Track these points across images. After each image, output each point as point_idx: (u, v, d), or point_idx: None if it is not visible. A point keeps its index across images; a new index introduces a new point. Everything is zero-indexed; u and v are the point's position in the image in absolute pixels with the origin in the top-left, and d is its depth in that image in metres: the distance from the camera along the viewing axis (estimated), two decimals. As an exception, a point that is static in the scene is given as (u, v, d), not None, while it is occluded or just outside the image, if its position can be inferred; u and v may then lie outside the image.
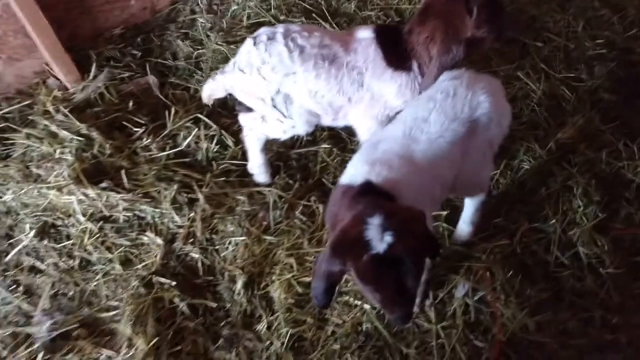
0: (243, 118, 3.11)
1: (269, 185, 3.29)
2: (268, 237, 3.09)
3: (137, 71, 3.69)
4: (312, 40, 2.70)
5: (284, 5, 3.95)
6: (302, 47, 2.69)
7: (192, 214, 3.14)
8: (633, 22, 4.05)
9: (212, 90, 3.01)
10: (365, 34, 2.76)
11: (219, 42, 3.76)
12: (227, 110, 3.53)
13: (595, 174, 3.30)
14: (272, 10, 3.94)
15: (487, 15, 2.56)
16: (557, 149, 3.40)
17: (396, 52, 2.72)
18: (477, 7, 2.53)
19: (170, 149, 3.32)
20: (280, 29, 2.75)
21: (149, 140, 3.32)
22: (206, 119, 3.41)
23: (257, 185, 3.31)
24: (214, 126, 3.40)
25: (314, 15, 3.93)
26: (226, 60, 3.72)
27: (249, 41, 2.79)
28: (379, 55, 2.71)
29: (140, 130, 3.37)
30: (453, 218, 3.12)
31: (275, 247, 3.06)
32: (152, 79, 3.64)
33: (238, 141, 3.39)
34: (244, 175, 3.34)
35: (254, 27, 3.78)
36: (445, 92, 2.48)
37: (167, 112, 3.44)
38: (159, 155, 3.28)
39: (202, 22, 3.89)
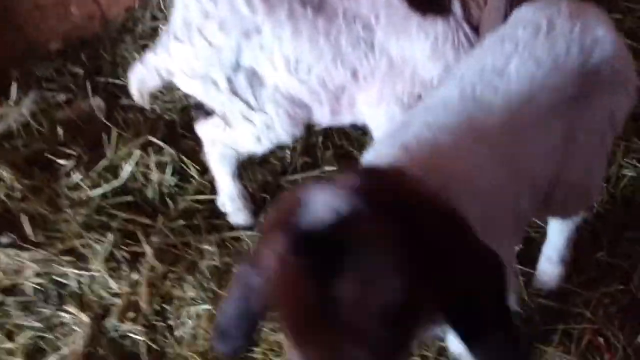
0: (201, 127, 2.14)
1: (249, 228, 2.27)
2: (246, 303, 2.03)
3: (80, 94, 2.78)
4: None
5: None
6: None
7: (135, 277, 2.12)
8: None
9: (141, 79, 2.05)
10: None
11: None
12: (192, 130, 2.57)
13: None
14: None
15: None
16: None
17: None
18: None
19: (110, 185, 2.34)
20: None
21: (79, 177, 2.35)
22: (159, 142, 2.44)
23: (234, 228, 2.29)
24: (170, 150, 2.42)
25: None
26: (194, 69, 2.81)
27: None
28: None
29: (69, 164, 2.41)
30: (530, 255, 2.02)
31: (256, 318, 1.99)
32: (97, 102, 2.73)
33: (207, 170, 2.41)
34: (215, 216, 2.33)
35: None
36: (534, 26, 1.43)
37: (107, 138, 2.49)
38: (92, 194, 2.30)
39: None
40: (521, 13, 1.52)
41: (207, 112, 2.08)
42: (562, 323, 1.87)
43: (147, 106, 2.25)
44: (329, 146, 2.50)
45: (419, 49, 1.77)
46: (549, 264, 1.93)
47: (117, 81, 2.86)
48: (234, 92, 1.83)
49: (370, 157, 1.36)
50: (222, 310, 1.15)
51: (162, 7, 3.10)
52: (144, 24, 3.06)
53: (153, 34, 3.03)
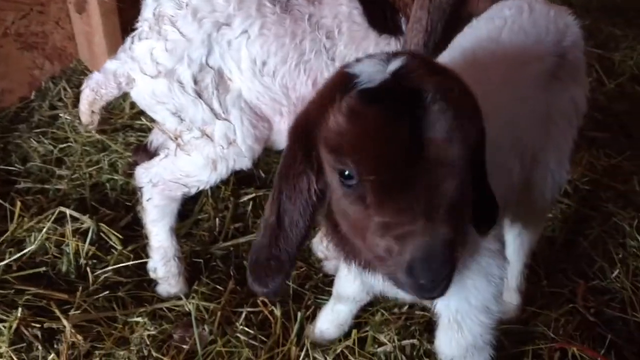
0: (142, 169, 1.95)
1: (180, 299, 2.03)
2: (195, 368, 1.76)
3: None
4: None
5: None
6: None
7: (51, 356, 1.76)
8: None
9: (96, 89, 1.83)
10: None
11: (91, 134, 2.70)
12: (107, 205, 2.35)
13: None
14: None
15: None
16: (576, 191, 2.53)
17: (379, 6, 1.86)
18: None
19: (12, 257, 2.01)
20: None
21: (-28, 252, 2.00)
22: (73, 212, 2.19)
23: (164, 300, 2.03)
24: (86, 220, 2.17)
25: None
26: (104, 150, 2.65)
27: None
28: (357, 10, 1.83)
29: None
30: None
31: (210, 382, 1.72)
32: (-13, 185, 2.43)
33: (127, 239, 2.18)
34: (141, 288, 2.07)
35: (140, 115, 2.81)
36: (517, 7, 1.59)
37: (8, 214, 2.19)
38: (-8, 268, 1.95)
39: (67, 119, 2.83)
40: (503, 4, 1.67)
41: (150, 154, 1.91)
42: (531, 344, 1.84)
43: (94, 127, 2.03)
44: (259, 214, 2.41)
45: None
46: (510, 292, 1.94)
47: (11, 168, 2.59)
48: (199, 94, 1.74)
49: None
50: (258, 243, 1.16)
51: (63, 96, 2.96)
52: (41, 113, 2.87)
53: (51, 122, 2.84)
